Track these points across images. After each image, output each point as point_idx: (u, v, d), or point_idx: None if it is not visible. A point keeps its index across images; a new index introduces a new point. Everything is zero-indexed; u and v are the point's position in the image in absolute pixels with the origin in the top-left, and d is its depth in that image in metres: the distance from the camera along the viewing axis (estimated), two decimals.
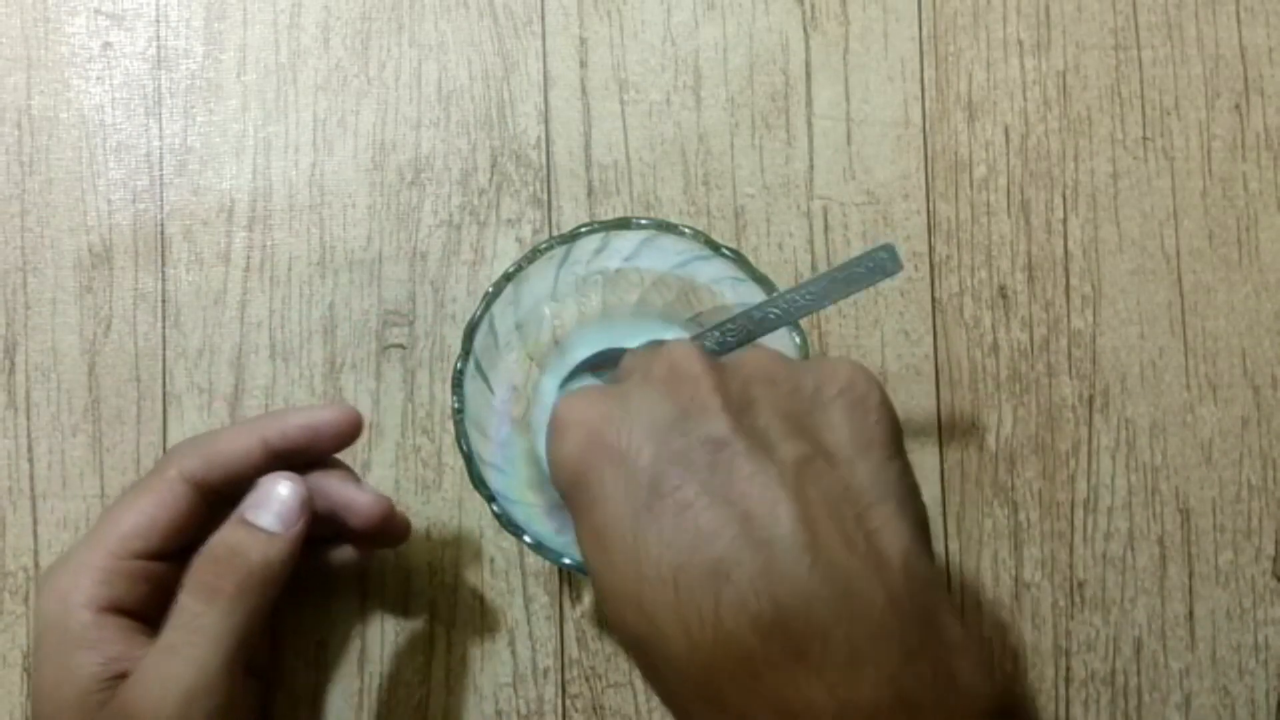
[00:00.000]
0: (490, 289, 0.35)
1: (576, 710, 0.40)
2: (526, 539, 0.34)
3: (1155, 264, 0.42)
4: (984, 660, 0.26)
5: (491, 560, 0.40)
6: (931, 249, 0.42)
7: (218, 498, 0.34)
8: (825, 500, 0.26)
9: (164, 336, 0.41)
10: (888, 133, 0.42)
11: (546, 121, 0.42)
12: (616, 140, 0.42)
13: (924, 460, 0.41)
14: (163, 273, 0.41)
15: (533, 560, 0.40)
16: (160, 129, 0.42)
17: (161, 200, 0.42)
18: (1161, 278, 0.42)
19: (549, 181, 0.42)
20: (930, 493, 0.41)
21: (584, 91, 0.42)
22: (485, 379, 0.37)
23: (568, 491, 0.28)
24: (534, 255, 0.35)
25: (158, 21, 0.42)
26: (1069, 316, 0.42)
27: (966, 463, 0.41)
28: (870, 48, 0.43)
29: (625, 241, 0.37)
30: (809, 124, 0.42)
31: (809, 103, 0.42)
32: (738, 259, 0.35)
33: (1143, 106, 0.43)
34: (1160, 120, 0.43)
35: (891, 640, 0.24)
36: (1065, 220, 0.42)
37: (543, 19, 0.42)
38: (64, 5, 0.42)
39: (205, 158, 0.42)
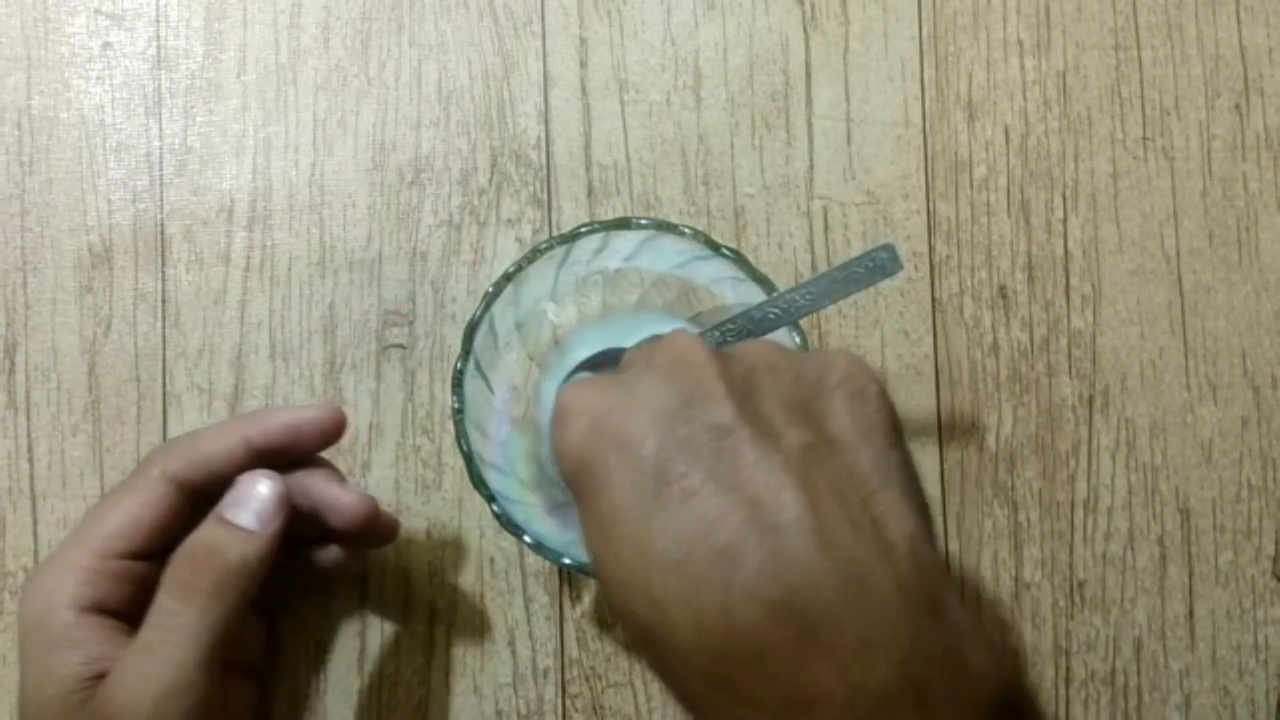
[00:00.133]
0: (490, 289, 0.35)
1: (576, 710, 0.40)
2: (526, 539, 0.34)
3: (1155, 264, 0.42)
4: (992, 645, 0.26)
5: (491, 560, 0.40)
6: (931, 249, 0.42)
7: (201, 497, 0.34)
8: (831, 486, 0.26)
9: (164, 336, 0.41)
10: (888, 133, 0.42)
11: (546, 121, 0.42)
12: (616, 140, 0.42)
13: (924, 460, 0.41)
14: (163, 273, 0.41)
15: (533, 560, 0.40)
16: (160, 129, 0.42)
17: (161, 200, 0.42)
18: (1161, 278, 0.42)
19: (549, 181, 0.42)
20: (930, 493, 0.41)
21: (584, 91, 0.42)
22: (485, 379, 0.37)
23: (572, 480, 0.28)
24: (534, 255, 0.35)
25: (158, 21, 0.42)
26: (1069, 316, 0.42)
27: (966, 463, 0.41)
28: (870, 48, 0.43)
29: (625, 241, 0.37)
30: (809, 124, 0.42)
31: (809, 103, 0.42)
32: (738, 259, 0.35)
33: (1143, 106, 0.43)
34: (1160, 120, 0.43)
35: (901, 625, 0.24)
36: (1065, 220, 0.42)
37: (543, 19, 0.43)
38: (64, 5, 0.42)
39: (205, 158, 0.42)
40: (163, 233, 0.42)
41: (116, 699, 0.30)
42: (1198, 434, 0.42)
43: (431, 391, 0.41)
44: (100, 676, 0.31)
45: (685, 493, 0.26)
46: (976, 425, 0.41)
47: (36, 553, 0.40)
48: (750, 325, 0.33)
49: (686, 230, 0.35)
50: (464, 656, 0.40)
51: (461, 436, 0.35)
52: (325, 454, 0.37)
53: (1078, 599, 0.41)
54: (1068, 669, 0.41)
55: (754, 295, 0.35)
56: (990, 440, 0.41)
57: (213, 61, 0.42)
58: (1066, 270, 0.42)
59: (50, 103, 0.42)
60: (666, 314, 0.39)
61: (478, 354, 0.36)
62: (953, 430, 0.41)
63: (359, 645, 0.40)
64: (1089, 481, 0.41)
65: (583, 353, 0.39)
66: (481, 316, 0.35)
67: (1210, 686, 0.41)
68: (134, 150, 0.42)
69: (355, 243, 0.42)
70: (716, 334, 0.33)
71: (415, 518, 0.40)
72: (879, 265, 0.32)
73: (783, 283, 0.40)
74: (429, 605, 0.40)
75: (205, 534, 0.33)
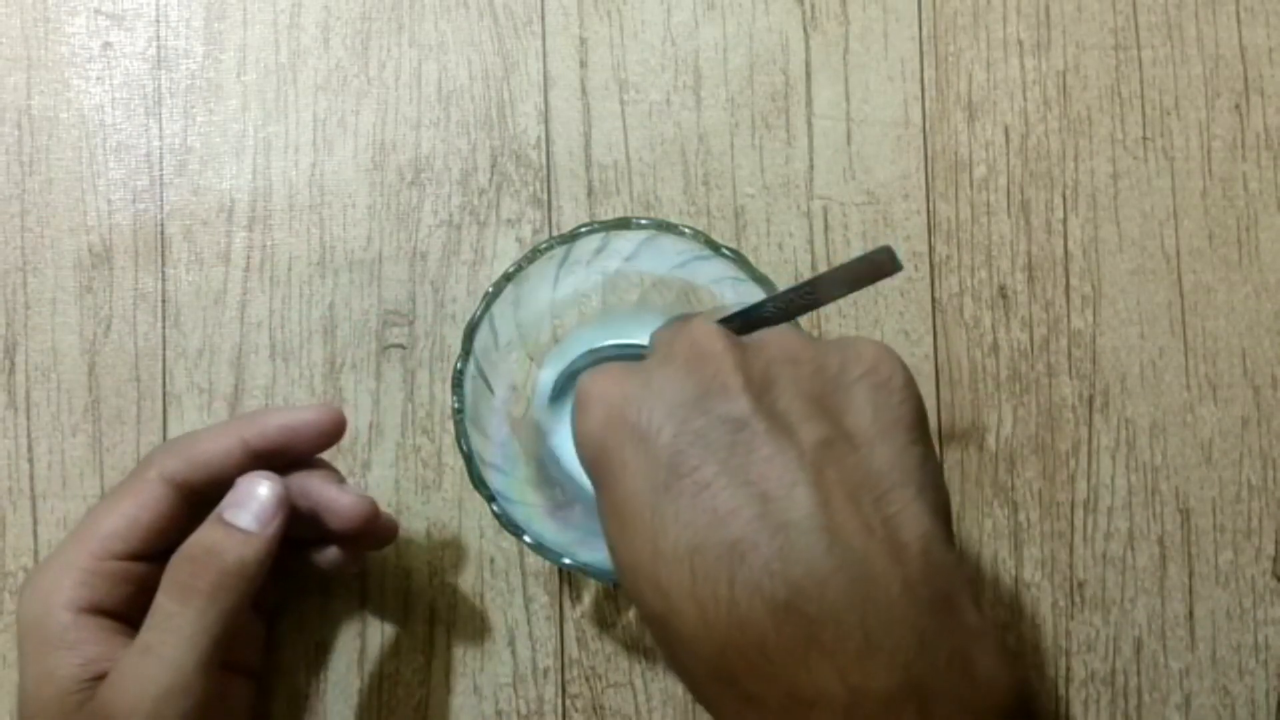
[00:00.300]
0: (490, 289, 0.35)
1: (576, 710, 0.40)
2: (526, 539, 0.34)
3: (1155, 264, 0.42)
4: (1004, 649, 0.25)
5: (491, 560, 0.40)
6: (931, 249, 0.42)
7: (199, 498, 0.34)
8: (844, 484, 0.26)
9: (164, 336, 0.41)
10: (888, 133, 0.42)
11: (546, 121, 0.42)
12: (616, 140, 0.42)
13: None
14: (163, 273, 0.41)
15: (533, 560, 0.40)
16: (160, 129, 0.42)
17: (161, 200, 0.42)
18: (1161, 278, 0.42)
19: (549, 181, 0.42)
20: None
21: (584, 91, 0.42)
22: (485, 379, 0.37)
23: (590, 468, 0.28)
24: (534, 255, 0.35)
25: (158, 21, 0.42)
26: (1069, 316, 0.42)
27: (966, 463, 0.41)
28: (870, 48, 0.43)
29: (625, 242, 0.37)
30: (809, 124, 0.42)
31: (809, 103, 0.42)
32: (738, 259, 0.35)
33: (1143, 106, 0.43)
34: (1160, 120, 0.43)
35: (906, 627, 0.24)
36: (1065, 220, 0.42)
37: (543, 19, 0.43)
38: (64, 5, 0.42)
39: (205, 158, 0.42)
40: (163, 233, 0.42)
41: (115, 700, 0.30)
42: (1198, 434, 0.42)
43: (431, 391, 0.41)
44: (99, 678, 0.31)
45: (698, 485, 0.26)
46: (976, 425, 0.41)
47: (36, 553, 0.40)
48: (748, 324, 0.33)
49: (686, 230, 0.35)
50: (464, 656, 0.40)
51: (461, 436, 0.35)
52: (325, 454, 0.37)
53: (1078, 599, 0.41)
54: (1068, 669, 0.41)
55: (754, 295, 0.35)
56: (990, 440, 0.41)
57: (213, 61, 0.42)
58: (1066, 270, 0.42)
59: (50, 103, 0.42)
60: (666, 314, 0.39)
61: (478, 354, 0.36)
62: (953, 430, 0.41)
63: (359, 645, 0.40)
64: (1089, 481, 0.41)
65: (582, 353, 0.39)
66: (481, 316, 0.35)
67: (1210, 686, 0.41)
68: (134, 150, 0.42)
69: (355, 243, 0.42)
70: (738, 322, 0.33)
71: (415, 518, 0.40)
72: (878, 266, 0.32)
73: (783, 283, 0.40)
74: (429, 605, 0.40)
75: (204, 535, 0.33)
